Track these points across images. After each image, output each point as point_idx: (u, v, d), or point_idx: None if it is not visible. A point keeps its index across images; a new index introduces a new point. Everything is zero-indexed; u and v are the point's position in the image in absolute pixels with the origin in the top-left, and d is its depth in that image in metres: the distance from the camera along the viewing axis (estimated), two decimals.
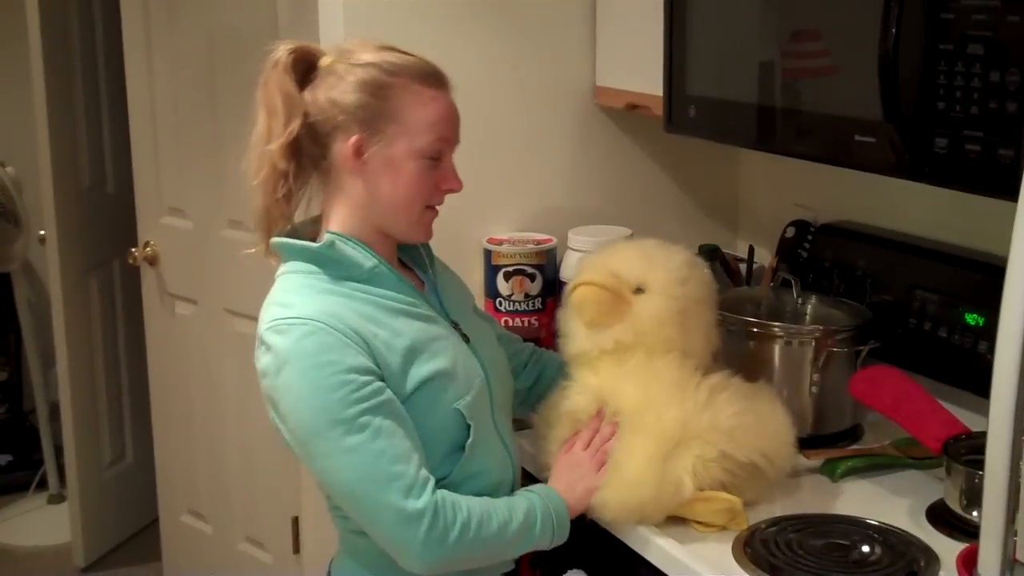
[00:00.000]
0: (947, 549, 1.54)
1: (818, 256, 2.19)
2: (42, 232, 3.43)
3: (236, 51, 2.80)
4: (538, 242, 2.24)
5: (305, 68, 1.57)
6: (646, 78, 2.12)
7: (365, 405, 1.45)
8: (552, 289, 2.23)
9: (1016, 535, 1.02)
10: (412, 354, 1.53)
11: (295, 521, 2.90)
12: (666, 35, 1.98)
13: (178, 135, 3.03)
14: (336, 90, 1.54)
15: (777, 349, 1.90)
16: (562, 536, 1.60)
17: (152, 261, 3.19)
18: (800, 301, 2.00)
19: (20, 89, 3.62)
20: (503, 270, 2.19)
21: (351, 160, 1.54)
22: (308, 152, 1.57)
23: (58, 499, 3.88)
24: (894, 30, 1.51)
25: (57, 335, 3.46)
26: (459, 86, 2.23)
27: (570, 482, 1.64)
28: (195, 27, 2.90)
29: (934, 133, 1.49)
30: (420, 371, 1.53)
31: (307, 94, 1.56)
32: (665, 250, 1.76)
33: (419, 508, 1.45)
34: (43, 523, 3.80)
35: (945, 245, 2.00)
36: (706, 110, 1.93)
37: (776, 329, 1.91)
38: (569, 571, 1.75)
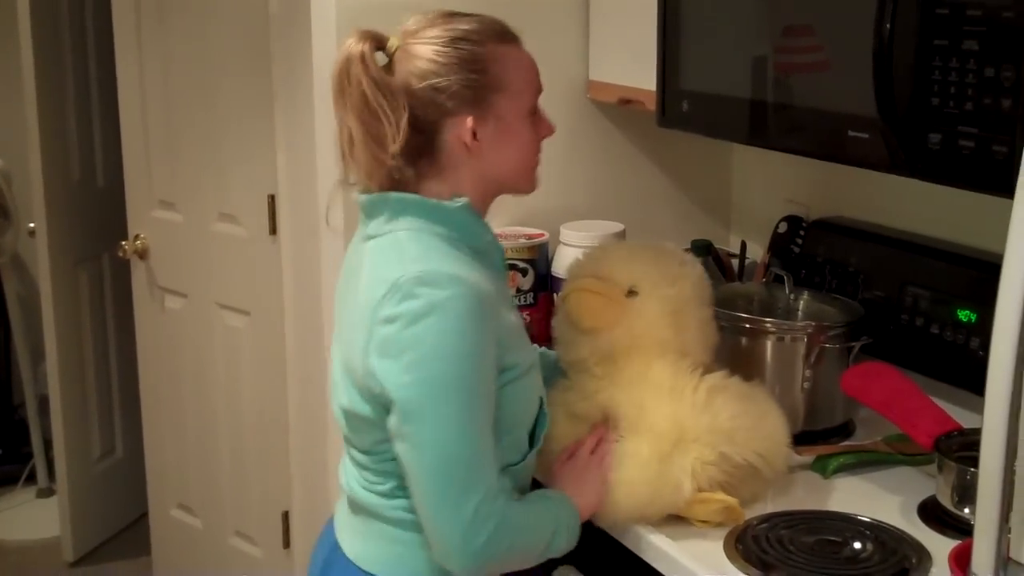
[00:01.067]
0: (939, 546, 1.53)
1: (810, 252, 2.19)
2: (32, 225, 3.42)
3: (227, 43, 2.79)
4: (529, 237, 2.23)
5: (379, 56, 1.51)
6: (639, 72, 2.11)
7: (490, 384, 1.44)
8: (544, 284, 2.23)
9: (1010, 533, 1.02)
10: (516, 340, 1.52)
11: (285, 516, 2.90)
12: (659, 29, 1.98)
13: (168, 128, 3.01)
14: (434, 75, 1.47)
15: (769, 345, 1.90)
16: (572, 545, 1.57)
17: (142, 254, 3.17)
18: (792, 297, 1.99)
19: (10, 82, 3.61)
20: None
21: (468, 140, 1.49)
22: (414, 144, 1.49)
23: (47, 493, 3.87)
24: (888, 25, 1.50)
25: (47, 328, 3.45)
26: None
27: (580, 489, 1.60)
28: (186, 19, 2.89)
29: (928, 129, 1.49)
30: (526, 357, 1.53)
31: (397, 83, 1.48)
32: (654, 250, 1.75)
33: (489, 514, 1.42)
34: (32, 517, 3.79)
35: (937, 241, 2.00)
36: (699, 105, 1.93)
37: (768, 325, 1.90)
38: (559, 567, 1.74)
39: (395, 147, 1.46)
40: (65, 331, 3.46)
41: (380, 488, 1.54)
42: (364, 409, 1.49)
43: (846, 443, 1.90)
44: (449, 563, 1.45)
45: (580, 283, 1.71)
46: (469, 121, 1.48)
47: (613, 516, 1.62)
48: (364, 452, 1.55)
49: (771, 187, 2.41)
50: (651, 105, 2.05)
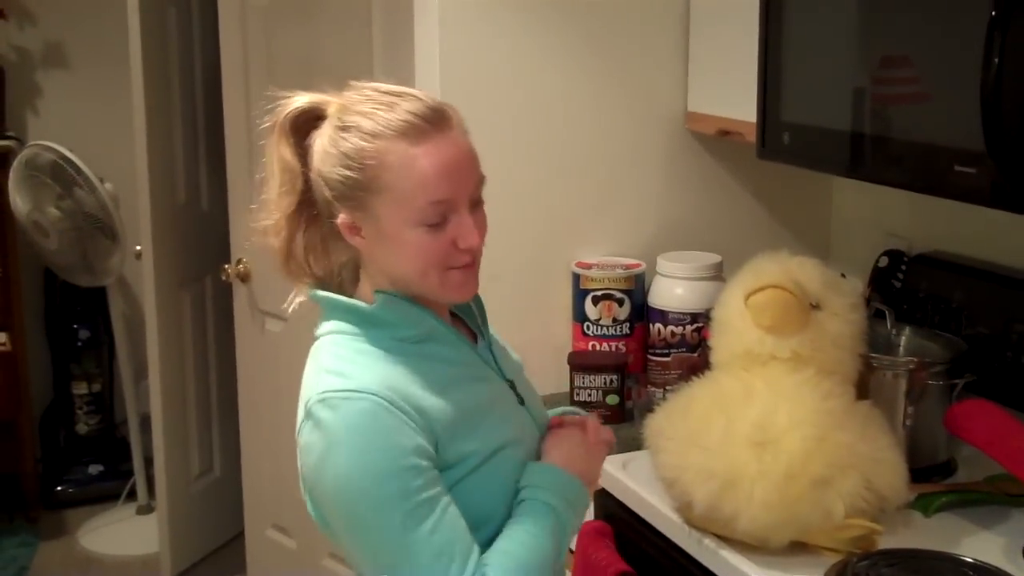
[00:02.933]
0: None
1: (912, 286, 2.16)
2: (138, 247, 3.50)
3: (330, 73, 2.81)
4: (627, 267, 2.24)
5: (308, 127, 1.41)
6: (738, 104, 2.11)
7: (424, 495, 1.32)
8: (640, 314, 2.23)
9: None
10: (475, 424, 1.40)
11: None
12: (761, 61, 1.97)
13: None
14: (324, 163, 1.38)
15: (872, 380, 1.87)
16: (585, 508, 1.51)
17: (244, 278, 3.24)
18: (895, 332, 1.97)
19: (119, 106, 3.72)
20: (591, 294, 2.19)
21: (349, 235, 1.40)
22: (321, 214, 1.42)
23: (146, 510, 3.94)
24: (997, 59, 1.48)
25: (150, 348, 3.53)
26: (551, 110, 2.28)
27: (570, 455, 1.48)
28: (291, 48, 2.95)
29: None
30: (486, 443, 1.40)
31: (309, 160, 1.40)
32: (834, 275, 1.80)
33: None
34: (132, 533, 3.87)
35: None
36: (800, 137, 1.92)
37: (871, 360, 1.88)
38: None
39: (272, 219, 1.43)
40: (168, 351, 3.53)
41: None
42: (324, 529, 1.45)
43: (947, 482, 1.87)
44: None
45: (779, 282, 1.72)
46: (342, 218, 1.38)
47: (754, 526, 1.60)
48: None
49: (871, 220, 2.38)
50: (750, 136, 2.04)
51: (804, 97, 1.92)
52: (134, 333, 3.96)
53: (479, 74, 2.24)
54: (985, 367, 1.92)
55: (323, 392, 1.36)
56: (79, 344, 4.19)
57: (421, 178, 1.35)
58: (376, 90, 1.40)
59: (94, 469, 4.19)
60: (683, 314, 2.18)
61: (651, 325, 2.22)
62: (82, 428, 4.23)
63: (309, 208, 1.43)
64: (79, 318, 4.19)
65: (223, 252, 3.33)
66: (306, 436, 1.37)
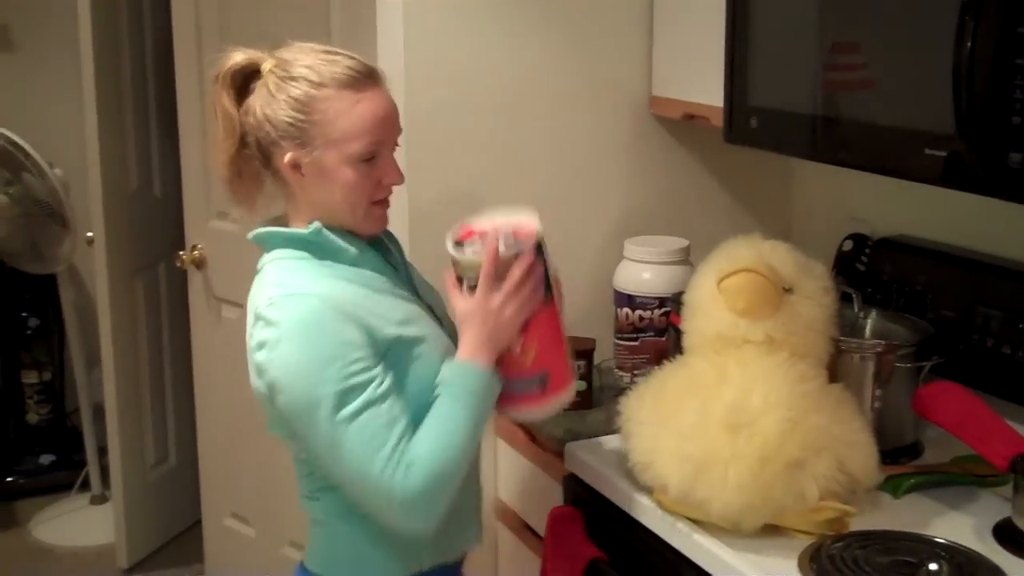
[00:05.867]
0: (1016, 569, 1.53)
1: (876, 270, 2.18)
2: (90, 234, 3.45)
3: None
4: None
5: (245, 79, 1.63)
6: (704, 88, 2.11)
7: (359, 378, 1.52)
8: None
9: None
10: (403, 325, 1.61)
11: None
12: (727, 45, 1.97)
13: None
14: (269, 107, 1.60)
15: (840, 363, 1.88)
16: (495, 396, 1.63)
17: (199, 264, 3.20)
18: (861, 315, 1.98)
19: (69, 90, 3.65)
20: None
21: (290, 173, 1.61)
22: (257, 159, 1.64)
23: (100, 500, 3.89)
24: (969, 44, 1.49)
25: (103, 336, 3.47)
26: (514, 95, 2.27)
27: (474, 339, 1.62)
28: (246, 32, 2.90)
29: (1009, 148, 1.47)
30: (410, 332, 1.61)
31: (246, 106, 1.62)
32: (804, 257, 1.81)
33: (396, 484, 1.51)
34: (85, 524, 3.82)
35: (1008, 260, 1.98)
36: (768, 121, 1.92)
37: (839, 343, 1.88)
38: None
39: (218, 159, 1.65)
40: (121, 339, 3.48)
41: (307, 492, 1.71)
42: (275, 429, 1.66)
43: (916, 463, 1.89)
44: (402, 519, 1.56)
45: (753, 265, 1.72)
46: (289, 155, 1.59)
47: (726, 511, 1.61)
48: (296, 464, 1.72)
49: (833, 204, 2.39)
50: (716, 121, 2.05)
51: (771, 81, 1.92)
52: (85, 321, 3.90)
53: (441, 58, 2.21)
54: (951, 349, 1.94)
55: (271, 297, 1.57)
56: (28, 332, 4.13)
57: (361, 121, 1.58)
58: (313, 49, 1.64)
59: (45, 459, 4.13)
60: (651, 298, 2.18)
61: (619, 309, 2.22)
62: (32, 417, 4.17)
63: (244, 150, 1.65)
64: (28, 306, 4.13)
65: (177, 238, 3.29)
66: (258, 335, 1.57)
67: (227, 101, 1.63)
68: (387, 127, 1.63)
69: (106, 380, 3.50)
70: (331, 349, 1.52)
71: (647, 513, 1.75)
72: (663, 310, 2.16)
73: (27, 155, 3.58)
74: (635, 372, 2.15)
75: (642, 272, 2.21)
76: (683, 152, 2.43)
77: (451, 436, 1.56)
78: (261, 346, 1.56)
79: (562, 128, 2.33)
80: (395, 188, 1.68)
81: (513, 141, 2.29)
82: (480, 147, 2.26)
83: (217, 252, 3.17)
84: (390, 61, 2.22)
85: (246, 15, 2.90)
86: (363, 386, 1.52)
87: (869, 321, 2.00)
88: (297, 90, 1.58)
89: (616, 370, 2.23)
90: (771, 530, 1.63)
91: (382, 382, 1.54)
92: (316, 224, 1.62)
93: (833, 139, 1.81)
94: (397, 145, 1.67)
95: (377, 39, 2.28)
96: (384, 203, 1.67)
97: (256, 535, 3.20)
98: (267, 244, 1.68)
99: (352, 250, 1.64)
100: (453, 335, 1.69)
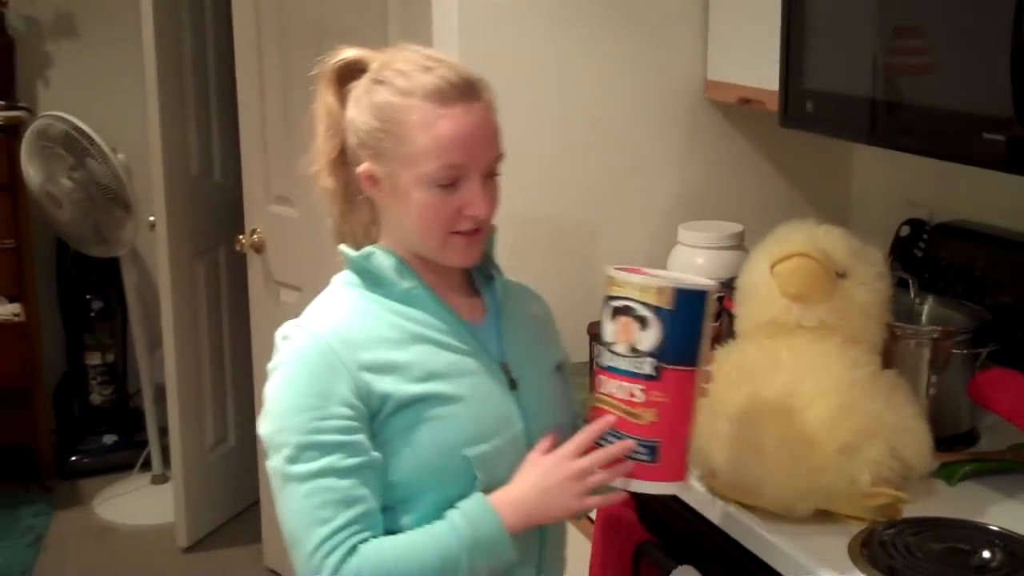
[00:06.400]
0: None
1: (934, 255, 2.16)
2: (152, 218, 3.50)
3: (343, 40, 2.79)
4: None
5: (351, 78, 1.49)
6: (759, 72, 2.10)
7: (326, 438, 1.36)
8: (683, 353, 1.42)
9: None
10: (431, 379, 1.41)
11: None
12: (783, 28, 1.95)
13: (285, 123, 3.07)
14: (355, 110, 1.46)
15: (895, 349, 1.87)
16: (504, 564, 1.42)
17: (258, 248, 3.24)
18: (917, 301, 1.96)
19: (131, 76, 3.70)
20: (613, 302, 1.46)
21: (367, 186, 1.47)
22: (343, 178, 1.50)
23: (161, 479, 3.96)
24: None
25: (164, 319, 3.53)
26: (568, 82, 2.27)
27: (544, 493, 1.41)
28: (304, 17, 2.94)
29: None
30: (438, 388, 1.41)
31: (346, 109, 1.49)
32: (860, 243, 1.78)
33: (327, 566, 1.34)
34: (146, 503, 3.89)
35: None
36: (823, 105, 1.90)
37: (894, 329, 1.87)
38: (678, 567, 1.74)
39: (316, 166, 1.50)
40: (182, 322, 3.53)
41: None
42: None
43: (971, 451, 1.87)
44: None
45: (806, 250, 1.71)
46: (364, 166, 1.45)
47: (778, 495, 1.60)
48: None
49: (891, 190, 2.37)
50: (772, 105, 2.03)
51: (827, 64, 1.91)
52: (147, 304, 3.96)
53: (496, 45, 2.22)
54: (1008, 336, 1.92)
55: (289, 323, 1.45)
56: (92, 315, 4.19)
57: (438, 140, 1.40)
58: (418, 53, 1.47)
59: (108, 439, 4.20)
60: None
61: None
62: (96, 398, 4.24)
63: (346, 156, 1.50)
64: (92, 289, 4.19)
65: (237, 222, 3.33)
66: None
67: (331, 98, 1.49)
68: (473, 150, 1.42)
69: (167, 362, 3.55)
70: (309, 398, 1.37)
71: (698, 497, 1.75)
72: (717, 295, 2.15)
73: (91, 140, 3.65)
74: None
75: (696, 257, 2.21)
76: (738, 137, 2.42)
77: (421, 567, 1.37)
78: (268, 372, 1.45)
79: (617, 114, 2.33)
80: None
81: (566, 127, 2.30)
82: (536, 135, 2.26)
83: (275, 236, 3.21)
84: (444, 50, 2.23)
85: (306, 4, 2.93)
86: (328, 449, 1.36)
87: (926, 307, 1.98)
88: (380, 96, 1.43)
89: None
90: (823, 516, 1.62)
91: (356, 454, 1.36)
92: (369, 249, 1.47)
93: (890, 123, 1.79)
94: (495, 174, 1.46)
95: (432, 34, 2.29)
96: (469, 235, 1.45)
97: None
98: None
99: (403, 285, 1.46)
100: (528, 407, 1.48)
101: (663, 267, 2.24)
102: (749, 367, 1.70)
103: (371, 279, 1.47)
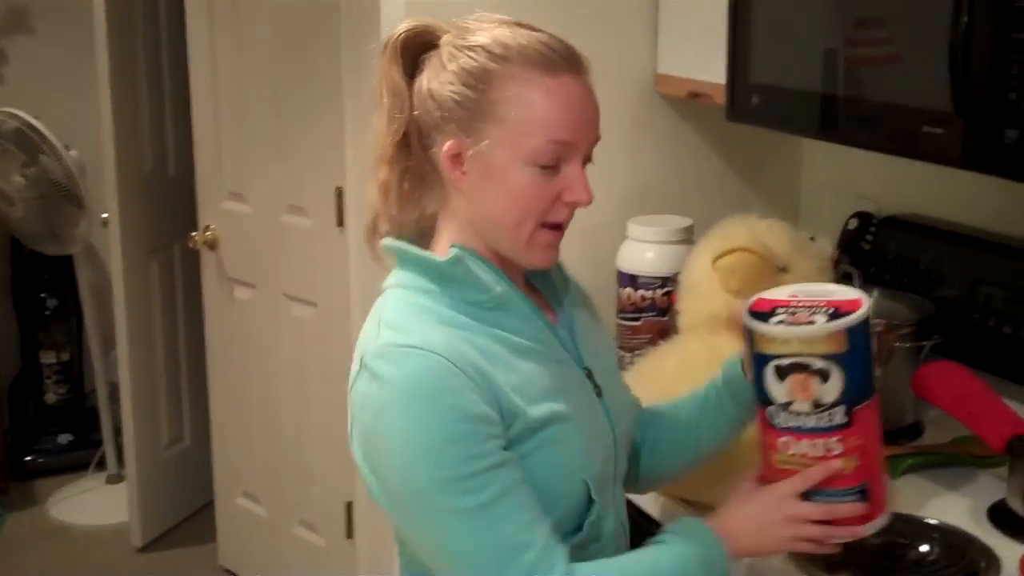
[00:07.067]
0: (1008, 551, 1.51)
1: (881, 248, 2.16)
2: (105, 215, 3.46)
3: (298, 35, 2.81)
4: (837, 309, 1.31)
5: (420, 50, 1.30)
6: (708, 66, 2.09)
7: (489, 461, 1.20)
8: (866, 385, 1.30)
9: None
10: (546, 399, 1.27)
11: (348, 506, 2.92)
12: (730, 22, 1.95)
13: (240, 119, 3.04)
14: (437, 80, 1.27)
15: None
16: None
17: (212, 245, 3.21)
18: None
19: (85, 73, 3.65)
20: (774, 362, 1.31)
21: (449, 168, 1.28)
22: (416, 155, 1.32)
23: (116, 479, 3.92)
24: (965, 18, 1.47)
25: (118, 317, 3.49)
26: None
27: (763, 529, 1.30)
28: (258, 11, 2.91)
29: (1005, 124, 1.45)
30: (554, 409, 1.27)
31: (416, 84, 1.30)
32: (801, 237, 1.77)
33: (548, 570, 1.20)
34: (101, 502, 3.85)
35: (1011, 239, 1.96)
36: (769, 99, 1.90)
37: None
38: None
39: (380, 148, 1.31)
40: (136, 320, 3.50)
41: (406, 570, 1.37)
42: (376, 496, 1.30)
43: (915, 444, 1.87)
44: None
45: (747, 244, 1.70)
46: (450, 142, 1.27)
47: (703, 495, 1.60)
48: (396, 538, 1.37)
49: (841, 182, 2.37)
50: (720, 99, 2.03)
51: (773, 58, 1.91)
52: (102, 302, 3.91)
53: None
54: (952, 329, 1.92)
55: (384, 345, 1.24)
56: (47, 313, 4.15)
57: (546, 112, 1.24)
58: (503, 20, 1.31)
59: (63, 439, 4.16)
60: (653, 278, 2.16)
61: (621, 289, 2.21)
62: (51, 398, 4.20)
63: (410, 138, 1.31)
64: (47, 287, 4.15)
65: (191, 220, 3.30)
66: (362, 388, 1.25)
67: (396, 74, 1.29)
68: (582, 128, 1.27)
69: (120, 361, 3.52)
70: (457, 424, 1.19)
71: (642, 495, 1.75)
72: (665, 290, 2.15)
73: (43, 137, 3.60)
74: (636, 352, 2.14)
75: (645, 252, 2.20)
76: (688, 131, 2.41)
77: None
78: (362, 406, 1.26)
79: None
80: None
81: None
82: None
83: (230, 233, 3.18)
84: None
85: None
86: (498, 470, 1.20)
87: (871, 300, 1.97)
88: (473, 61, 1.25)
89: (619, 350, 2.22)
90: None
91: (517, 465, 1.23)
92: (456, 251, 1.28)
93: (832, 117, 1.79)
94: (590, 160, 1.31)
95: (380, 18, 2.27)
96: (559, 229, 1.30)
97: (267, 514, 3.22)
98: (394, 259, 1.34)
99: (496, 290, 1.29)
100: (613, 415, 1.38)
101: (612, 259, 2.23)
102: (691, 363, 1.69)
103: (456, 286, 1.29)
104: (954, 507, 1.66)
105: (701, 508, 1.64)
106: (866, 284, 1.98)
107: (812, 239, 2.09)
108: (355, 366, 1.28)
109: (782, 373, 1.27)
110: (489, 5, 2.18)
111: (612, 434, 1.38)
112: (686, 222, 2.23)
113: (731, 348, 1.67)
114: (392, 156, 1.32)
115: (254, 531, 3.28)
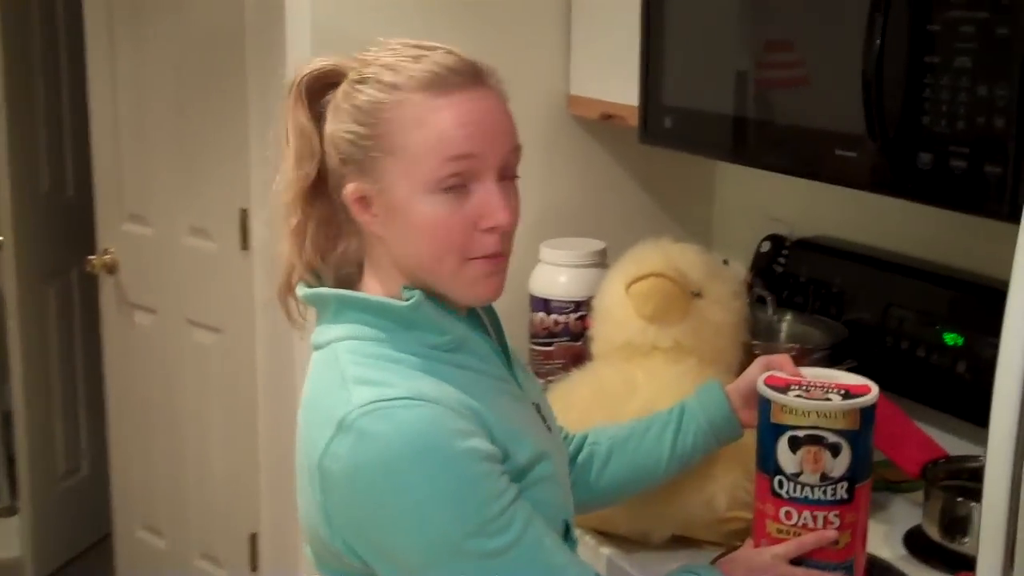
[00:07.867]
0: None
1: (793, 271, 2.15)
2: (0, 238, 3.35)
3: (202, 54, 2.74)
4: (848, 390, 1.36)
5: (325, 91, 1.23)
6: (621, 88, 2.07)
7: (509, 496, 1.14)
8: (868, 466, 1.37)
9: (1014, 571, 0.97)
10: (529, 438, 1.23)
11: (253, 538, 2.83)
12: (642, 44, 1.94)
13: (140, 139, 2.96)
14: (335, 121, 1.20)
15: None
16: None
17: (111, 269, 3.12)
18: (776, 318, 1.96)
19: None
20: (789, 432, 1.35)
21: (358, 212, 1.20)
22: (333, 200, 1.23)
23: (9, 512, 3.79)
24: (878, 42, 1.46)
25: (12, 344, 3.38)
26: None
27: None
28: (160, 28, 2.84)
29: (918, 148, 1.45)
30: (539, 449, 1.23)
31: (322, 125, 1.23)
32: (715, 261, 1.77)
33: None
34: None
35: (923, 262, 1.96)
36: (682, 121, 1.89)
37: (752, 347, 1.85)
38: None
39: (287, 196, 1.23)
40: (31, 347, 3.39)
41: None
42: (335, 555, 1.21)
43: None
44: None
45: (661, 270, 1.68)
46: (351, 186, 1.19)
47: (634, 521, 1.57)
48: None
49: (754, 206, 2.37)
50: (633, 121, 2.01)
51: (686, 81, 1.89)
52: None
53: (351, 52, 2.15)
54: (865, 352, 1.92)
55: (368, 404, 1.12)
56: None
57: (438, 131, 1.15)
58: (404, 44, 1.22)
59: None
60: (566, 302, 2.13)
61: (534, 314, 2.17)
62: None
63: (323, 184, 1.23)
64: None
65: (90, 242, 3.20)
66: (345, 454, 1.12)
67: (303, 116, 1.21)
68: (483, 139, 1.16)
69: (15, 388, 3.40)
70: (474, 467, 1.13)
71: None
72: (579, 314, 2.12)
73: None
74: (549, 378, 2.10)
75: (558, 275, 2.16)
76: (602, 153, 2.39)
77: None
78: (353, 472, 1.13)
79: None
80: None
81: None
82: None
83: (130, 256, 3.09)
84: (298, 57, 2.16)
85: (161, 16, 2.82)
86: (517, 502, 1.15)
87: (784, 324, 1.98)
88: (363, 95, 1.17)
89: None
90: (679, 541, 1.60)
91: (521, 494, 1.18)
92: (416, 294, 1.18)
93: (744, 139, 1.78)
94: (513, 175, 1.22)
95: (286, 39, 2.22)
96: (489, 260, 1.19)
97: (168, 547, 3.13)
98: (329, 310, 1.23)
99: (457, 331, 1.22)
100: (560, 444, 1.37)
101: (525, 283, 2.19)
102: (606, 390, 1.66)
103: (420, 329, 1.19)
104: (870, 533, 1.63)
105: (615, 540, 1.60)
106: (779, 308, 1.97)
107: (726, 262, 2.08)
108: (326, 433, 1.14)
109: (796, 444, 1.32)
110: (399, 27, 2.15)
111: (568, 468, 1.38)
112: (599, 245, 2.20)
113: (645, 375, 1.64)
114: (305, 202, 1.23)
115: (154, 565, 3.18)
